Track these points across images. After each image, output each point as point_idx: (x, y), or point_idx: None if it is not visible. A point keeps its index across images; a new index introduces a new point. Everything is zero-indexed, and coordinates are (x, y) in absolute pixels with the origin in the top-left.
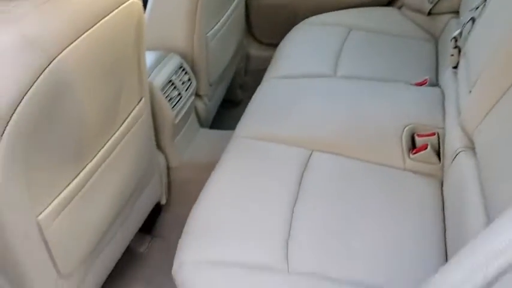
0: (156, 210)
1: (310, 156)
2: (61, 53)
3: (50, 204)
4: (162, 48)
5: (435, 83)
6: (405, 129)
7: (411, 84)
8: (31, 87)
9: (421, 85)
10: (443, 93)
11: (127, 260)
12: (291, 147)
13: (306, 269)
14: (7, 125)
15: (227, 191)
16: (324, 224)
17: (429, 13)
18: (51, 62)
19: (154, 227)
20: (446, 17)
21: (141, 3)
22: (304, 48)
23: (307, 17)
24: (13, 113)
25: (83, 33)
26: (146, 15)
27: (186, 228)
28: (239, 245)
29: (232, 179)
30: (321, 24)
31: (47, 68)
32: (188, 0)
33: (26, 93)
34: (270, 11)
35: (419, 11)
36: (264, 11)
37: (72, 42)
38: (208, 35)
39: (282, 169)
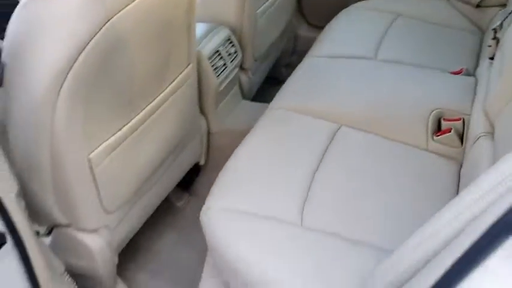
0: (196, 172)
1: (338, 129)
2: (120, 11)
3: (100, 145)
4: (213, 21)
5: (471, 73)
6: (432, 112)
7: (447, 72)
8: (92, 39)
9: (457, 74)
10: (476, 83)
11: (165, 211)
12: (321, 120)
13: (317, 226)
14: (70, 71)
15: (257, 153)
16: (340, 190)
17: (478, 5)
18: (111, 18)
19: (193, 186)
20: (494, 10)
21: None
22: (349, 30)
23: (357, 2)
24: (75, 60)
25: None
26: None
27: (217, 180)
28: (261, 198)
29: (263, 142)
30: (370, 9)
31: (107, 24)
32: None
33: (88, 43)
34: None
35: (468, 2)
36: None
37: (131, 2)
38: (257, 11)
39: (310, 138)
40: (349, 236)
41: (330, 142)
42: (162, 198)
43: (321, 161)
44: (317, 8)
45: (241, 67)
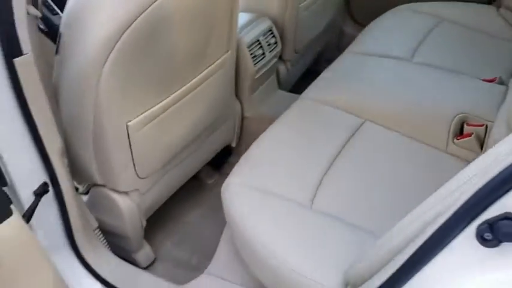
0: (228, 153)
1: (362, 124)
2: None
3: (138, 116)
4: (257, 11)
5: (505, 83)
6: (457, 116)
7: (480, 79)
8: (138, 17)
9: (489, 82)
10: (507, 92)
11: (196, 188)
12: (347, 113)
13: (324, 209)
14: (116, 44)
15: (281, 138)
16: (353, 180)
17: None
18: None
19: (224, 166)
20: None
21: None
22: (390, 30)
23: (405, 3)
24: (122, 34)
25: None
26: None
27: (240, 160)
28: (277, 179)
29: (288, 129)
30: (416, 11)
31: (154, 4)
32: None
33: (134, 21)
34: None
35: None
36: None
37: None
38: (300, 6)
39: (333, 130)
40: (352, 222)
41: (352, 135)
42: (192, 173)
43: (340, 152)
44: (364, 6)
45: (281, 58)
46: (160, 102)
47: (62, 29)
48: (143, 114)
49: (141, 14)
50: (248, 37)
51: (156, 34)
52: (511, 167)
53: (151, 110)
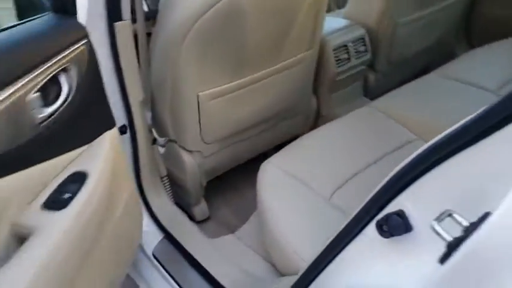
0: None
1: (413, 140)
2: None
3: (208, 89)
4: (355, 20)
5: None
6: None
7: None
8: (214, 6)
9: None
10: None
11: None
12: (403, 127)
13: (339, 205)
14: (193, 26)
15: (331, 135)
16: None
17: None
18: None
19: None
20: None
21: None
22: (490, 59)
23: None
24: (198, 19)
25: None
26: None
27: (287, 146)
28: (309, 169)
29: (341, 129)
30: None
31: None
32: None
33: (211, 7)
34: (491, 24)
35: None
36: (486, 21)
37: None
38: (399, 21)
39: (382, 140)
40: None
41: (399, 148)
42: (256, 153)
43: (379, 160)
44: (484, 33)
45: (373, 68)
46: (231, 82)
47: (159, 7)
48: (213, 89)
49: (216, 4)
50: (335, 40)
51: (230, 23)
52: (406, 166)
53: (222, 87)
